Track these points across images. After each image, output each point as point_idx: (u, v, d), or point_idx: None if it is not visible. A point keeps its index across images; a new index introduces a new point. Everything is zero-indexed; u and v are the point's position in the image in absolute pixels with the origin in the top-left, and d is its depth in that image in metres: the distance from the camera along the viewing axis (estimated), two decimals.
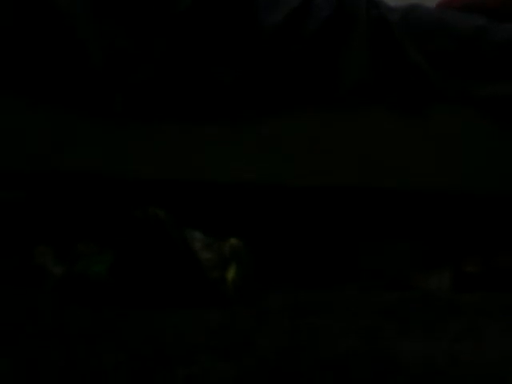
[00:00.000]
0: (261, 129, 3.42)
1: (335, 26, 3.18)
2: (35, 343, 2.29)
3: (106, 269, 3.15)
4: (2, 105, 3.40)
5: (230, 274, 3.18)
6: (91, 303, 2.97)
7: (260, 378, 1.95)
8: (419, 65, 3.12)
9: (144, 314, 2.80)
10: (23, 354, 2.15)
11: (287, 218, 3.69)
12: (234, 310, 2.98)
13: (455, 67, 3.20)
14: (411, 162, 3.59)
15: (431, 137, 3.54)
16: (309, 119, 3.45)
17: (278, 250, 3.70)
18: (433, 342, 2.44)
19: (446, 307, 3.14)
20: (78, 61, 3.14)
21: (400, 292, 3.50)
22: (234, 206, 3.59)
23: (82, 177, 3.49)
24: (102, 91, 3.22)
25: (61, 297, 3.13)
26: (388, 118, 3.45)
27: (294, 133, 3.50)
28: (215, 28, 3.14)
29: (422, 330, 2.62)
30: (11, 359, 2.07)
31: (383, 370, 2.04)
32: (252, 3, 3.08)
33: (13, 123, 3.43)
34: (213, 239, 3.23)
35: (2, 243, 3.48)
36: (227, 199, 3.58)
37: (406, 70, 3.17)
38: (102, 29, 3.11)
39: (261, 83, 3.28)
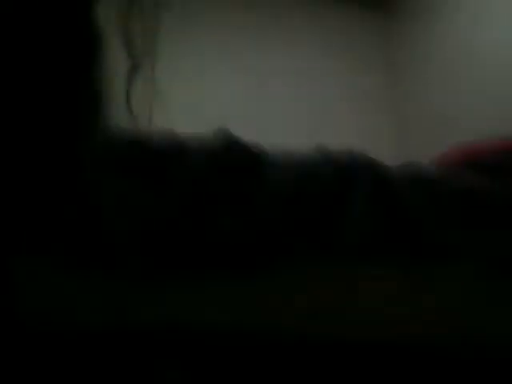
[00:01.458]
0: (257, 279, 3.51)
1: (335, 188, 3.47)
2: None
3: None
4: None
5: None
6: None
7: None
8: (421, 221, 3.37)
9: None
10: None
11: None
12: None
13: (458, 223, 3.43)
14: (410, 318, 3.65)
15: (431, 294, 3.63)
16: (308, 272, 3.59)
17: None
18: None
19: None
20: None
21: None
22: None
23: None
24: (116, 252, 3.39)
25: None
26: (389, 274, 3.62)
27: (293, 285, 3.60)
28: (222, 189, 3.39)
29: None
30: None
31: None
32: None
33: None
34: None
35: None
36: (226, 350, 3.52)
37: (408, 226, 3.43)
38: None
39: (260, 235, 3.50)
